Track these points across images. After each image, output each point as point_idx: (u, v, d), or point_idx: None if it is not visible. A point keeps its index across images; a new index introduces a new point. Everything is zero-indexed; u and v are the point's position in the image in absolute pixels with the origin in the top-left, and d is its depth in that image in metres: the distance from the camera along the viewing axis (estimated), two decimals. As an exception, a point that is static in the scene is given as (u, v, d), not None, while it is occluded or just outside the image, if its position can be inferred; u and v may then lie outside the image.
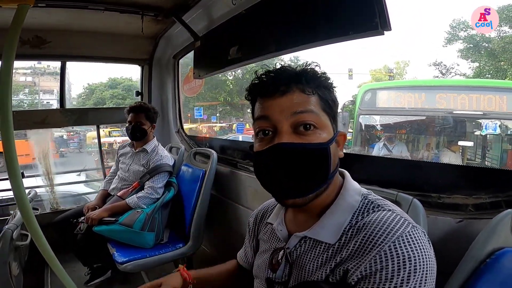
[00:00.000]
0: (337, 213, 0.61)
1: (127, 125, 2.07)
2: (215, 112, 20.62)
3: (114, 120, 2.67)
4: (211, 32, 1.88)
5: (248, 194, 1.76)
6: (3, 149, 1.24)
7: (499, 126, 4.52)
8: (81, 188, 2.96)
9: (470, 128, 4.65)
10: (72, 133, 14.05)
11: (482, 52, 11.01)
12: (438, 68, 14.46)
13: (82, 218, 1.86)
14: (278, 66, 0.64)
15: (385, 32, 1.00)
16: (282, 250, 0.67)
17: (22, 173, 2.09)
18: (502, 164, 4.23)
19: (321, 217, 0.62)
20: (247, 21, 1.55)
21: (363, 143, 5.38)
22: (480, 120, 4.62)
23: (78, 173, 2.95)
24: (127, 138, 2.17)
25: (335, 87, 0.64)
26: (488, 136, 4.65)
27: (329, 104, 0.61)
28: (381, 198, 0.64)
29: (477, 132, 4.73)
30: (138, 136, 2.05)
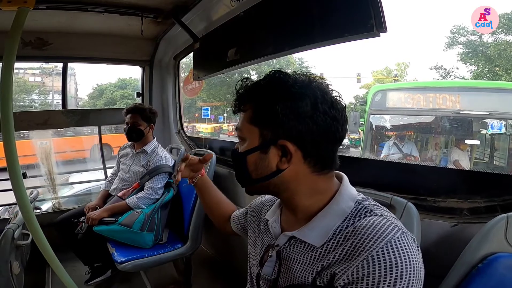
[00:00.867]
0: (328, 217, 0.62)
1: (125, 126, 2.09)
2: (222, 112, 20.72)
3: (115, 121, 2.68)
4: (210, 34, 1.89)
5: (246, 195, 1.75)
6: (4, 149, 1.26)
7: (504, 126, 4.61)
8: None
9: (476, 128, 4.75)
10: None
11: (480, 55, 11.53)
12: (439, 71, 14.87)
13: (83, 218, 1.88)
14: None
15: (381, 33, 1.00)
16: (273, 248, 0.69)
17: (25, 173, 2.14)
18: (509, 161, 4.41)
19: (312, 219, 0.63)
20: (244, 23, 1.55)
21: (373, 142, 5.52)
22: (486, 120, 4.72)
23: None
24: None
25: (285, 97, 0.61)
26: (494, 135, 4.75)
27: (262, 116, 0.62)
28: (376, 204, 0.64)
29: (483, 131, 4.82)
30: (134, 136, 2.06)
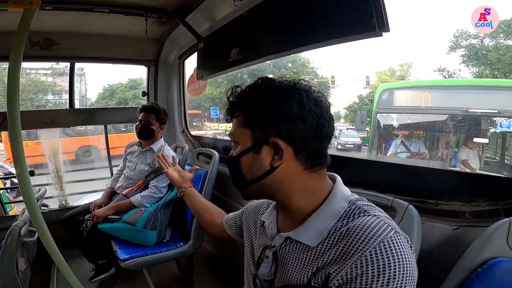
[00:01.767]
0: (322, 217, 0.63)
1: (137, 123, 2.11)
2: None
3: (121, 120, 2.73)
4: (214, 34, 1.89)
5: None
6: (11, 148, 1.29)
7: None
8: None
9: (485, 126, 4.68)
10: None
11: (482, 58, 12.13)
12: (442, 73, 15.22)
13: (88, 215, 1.91)
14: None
15: (383, 33, 0.99)
16: (269, 248, 0.70)
17: (32, 171, 2.18)
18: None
19: (306, 220, 0.64)
20: (247, 23, 1.56)
21: (381, 140, 5.50)
22: (495, 118, 4.63)
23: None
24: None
25: (272, 98, 0.64)
26: (505, 133, 4.67)
27: (253, 119, 0.66)
28: (370, 204, 0.64)
29: (492, 130, 4.74)
30: (145, 135, 2.08)
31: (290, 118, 0.62)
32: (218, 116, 19.09)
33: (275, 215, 0.75)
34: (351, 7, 1.04)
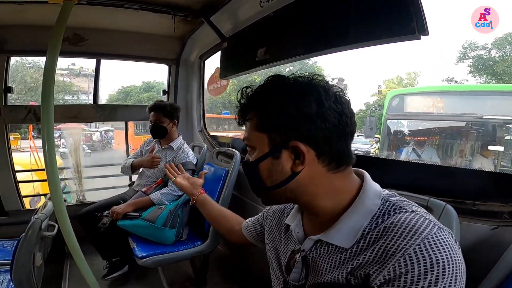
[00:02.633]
0: (354, 217, 0.59)
1: (149, 124, 2.14)
2: None
3: (141, 117, 2.75)
4: (238, 34, 1.91)
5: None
6: (42, 141, 1.31)
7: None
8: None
9: (501, 133, 4.40)
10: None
11: (489, 69, 12.46)
12: (450, 83, 15.37)
13: (107, 212, 1.92)
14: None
15: (421, 36, 0.98)
16: (298, 253, 0.67)
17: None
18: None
19: (337, 220, 0.61)
20: (274, 23, 1.56)
21: (391, 148, 5.29)
22: (511, 125, 4.40)
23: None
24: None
25: (288, 98, 0.60)
26: None
27: (269, 122, 0.61)
28: (404, 199, 0.61)
29: (508, 137, 4.48)
30: (157, 134, 2.11)
31: (309, 118, 0.57)
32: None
33: (300, 218, 0.72)
34: (389, 9, 1.02)
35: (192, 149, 2.41)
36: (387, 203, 0.59)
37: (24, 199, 2.44)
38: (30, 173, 3.10)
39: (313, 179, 0.61)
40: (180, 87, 2.78)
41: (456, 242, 0.53)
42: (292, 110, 0.58)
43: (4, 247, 2.05)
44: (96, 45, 2.35)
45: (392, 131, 5.24)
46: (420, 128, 5.13)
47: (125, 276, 2.08)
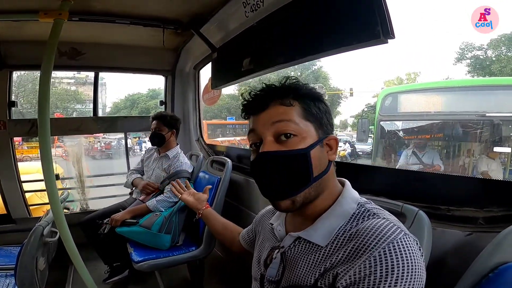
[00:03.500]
0: (332, 218, 0.64)
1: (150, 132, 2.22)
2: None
3: (141, 128, 2.84)
4: (226, 44, 1.95)
5: (261, 201, 1.78)
6: (40, 153, 1.38)
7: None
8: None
9: (507, 132, 4.04)
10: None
11: (486, 69, 12.70)
12: None
13: (106, 219, 1.98)
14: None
15: (388, 40, 1.00)
16: (278, 249, 0.70)
17: (57, 175, 2.31)
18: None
19: (316, 221, 0.65)
20: (258, 33, 1.59)
21: (385, 152, 4.92)
22: None
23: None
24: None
25: (321, 95, 0.69)
26: None
27: (312, 112, 0.66)
28: (378, 207, 0.65)
29: None
30: (156, 141, 2.18)
31: (329, 115, 0.68)
32: (234, 126, 19.42)
33: (283, 217, 0.76)
34: (356, 16, 1.05)
35: (190, 158, 2.46)
36: (363, 208, 0.64)
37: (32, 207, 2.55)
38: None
39: (331, 173, 0.68)
40: (177, 97, 2.85)
41: (420, 250, 0.55)
42: (324, 107, 0.68)
43: (11, 253, 2.16)
44: (94, 59, 2.45)
45: (385, 134, 4.89)
46: (416, 130, 4.75)
47: (125, 280, 2.14)
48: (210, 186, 1.33)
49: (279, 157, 0.62)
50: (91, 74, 2.66)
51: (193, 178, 2.20)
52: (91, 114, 2.70)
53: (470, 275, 0.75)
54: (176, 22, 2.05)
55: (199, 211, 1.17)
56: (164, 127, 2.18)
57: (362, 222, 0.60)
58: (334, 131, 0.72)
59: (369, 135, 5.31)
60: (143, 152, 2.52)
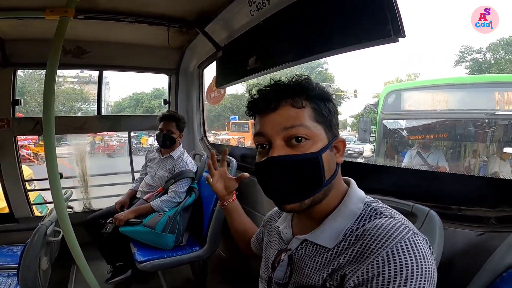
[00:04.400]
0: (338, 219, 0.62)
1: (158, 132, 2.18)
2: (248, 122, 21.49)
3: (144, 127, 2.84)
4: (232, 43, 1.95)
5: (264, 201, 1.77)
6: (44, 151, 1.37)
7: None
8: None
9: None
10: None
11: (485, 72, 12.77)
12: None
13: (110, 219, 1.98)
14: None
15: (399, 39, 0.99)
16: (285, 252, 0.69)
17: (61, 174, 2.30)
18: None
19: (322, 222, 0.64)
20: (264, 31, 1.58)
21: (388, 152, 4.72)
22: None
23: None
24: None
25: (331, 95, 0.67)
26: None
27: (323, 114, 0.63)
28: (385, 206, 0.64)
29: None
30: (168, 144, 2.16)
31: (336, 116, 0.66)
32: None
33: (289, 220, 0.75)
34: (366, 14, 1.04)
35: (193, 158, 2.45)
36: (369, 208, 0.63)
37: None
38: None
39: (339, 174, 0.67)
40: (180, 96, 2.84)
41: (430, 248, 0.54)
42: (335, 108, 0.66)
43: (14, 252, 2.16)
44: (98, 57, 2.45)
45: (388, 133, 4.68)
46: (421, 129, 4.52)
47: (127, 280, 2.13)
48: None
49: (290, 162, 0.60)
50: (94, 73, 2.67)
51: (197, 178, 2.19)
52: (95, 113, 2.69)
53: (483, 274, 0.74)
54: (181, 21, 2.05)
55: (224, 202, 1.03)
56: (177, 130, 2.17)
57: (369, 222, 0.59)
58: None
59: (371, 135, 5.13)
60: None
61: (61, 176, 2.27)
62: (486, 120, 3.78)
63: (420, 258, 0.50)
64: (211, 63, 2.53)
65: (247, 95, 0.68)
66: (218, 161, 1.08)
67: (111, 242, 2.00)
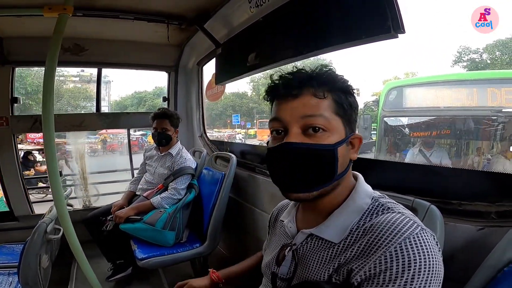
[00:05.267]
0: (345, 213, 0.62)
1: (153, 131, 2.17)
2: (249, 120, 21.46)
3: (143, 124, 2.82)
4: (231, 40, 1.94)
5: (265, 197, 1.78)
6: (44, 149, 1.37)
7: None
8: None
9: None
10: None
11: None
12: None
13: (110, 216, 1.98)
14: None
15: (399, 35, 0.99)
16: (289, 246, 0.69)
17: (60, 172, 2.30)
18: None
19: (329, 217, 0.63)
20: (263, 28, 1.58)
21: (390, 150, 4.64)
22: None
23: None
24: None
25: (353, 90, 0.65)
26: None
27: (343, 107, 0.62)
28: (392, 201, 0.63)
29: None
30: (164, 142, 2.15)
31: (357, 111, 0.65)
32: (239, 123, 19.65)
33: (294, 214, 0.74)
34: (366, 10, 1.04)
35: (193, 155, 2.45)
36: (377, 203, 0.62)
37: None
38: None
39: (350, 171, 0.66)
40: (179, 93, 2.84)
41: (437, 244, 0.54)
42: (354, 101, 0.64)
43: (14, 251, 2.16)
44: (97, 55, 2.44)
45: (389, 131, 4.57)
46: (423, 126, 4.40)
47: (128, 278, 2.13)
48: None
49: (304, 149, 0.59)
50: (95, 72, 2.65)
51: (197, 174, 2.19)
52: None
53: (484, 269, 0.74)
54: (180, 18, 2.04)
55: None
56: (172, 127, 2.15)
57: (376, 217, 0.59)
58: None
59: (373, 132, 5.07)
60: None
61: (60, 174, 2.29)
62: (495, 118, 3.63)
63: (428, 254, 0.50)
64: (210, 60, 2.53)
65: (268, 80, 0.66)
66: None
67: (111, 239, 2.00)
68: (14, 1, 1.57)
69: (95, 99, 2.69)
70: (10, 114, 2.30)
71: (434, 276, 0.50)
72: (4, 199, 2.42)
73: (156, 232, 1.86)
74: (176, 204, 1.97)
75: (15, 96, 2.32)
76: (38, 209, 2.49)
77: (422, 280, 0.48)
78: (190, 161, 2.14)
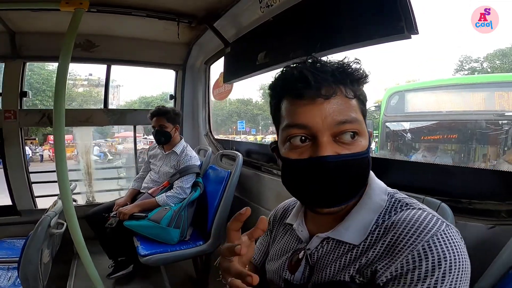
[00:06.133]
0: (363, 212, 0.58)
1: (152, 130, 2.18)
2: (254, 126, 21.57)
3: (149, 121, 2.84)
4: (240, 39, 1.97)
5: (270, 196, 1.78)
6: (54, 143, 1.38)
7: None
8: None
9: None
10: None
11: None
12: None
13: (114, 213, 1.98)
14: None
15: (412, 36, 0.99)
16: (303, 251, 0.64)
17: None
18: None
19: (345, 217, 0.59)
20: (274, 27, 1.60)
21: (392, 155, 4.55)
22: None
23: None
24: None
25: (367, 81, 0.59)
26: None
27: (364, 104, 0.59)
28: (408, 197, 0.61)
29: None
30: (162, 139, 2.15)
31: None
32: (244, 129, 19.75)
33: (302, 217, 0.69)
34: (378, 10, 1.04)
35: (198, 153, 2.45)
36: (393, 199, 0.59)
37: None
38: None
39: None
40: (186, 92, 2.85)
41: (462, 240, 0.52)
42: (365, 93, 0.59)
43: (15, 245, 2.15)
44: (107, 51, 2.46)
45: (391, 136, 4.53)
46: (426, 132, 4.35)
47: (129, 275, 2.12)
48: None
49: (341, 162, 0.52)
50: (103, 77, 2.68)
51: (202, 173, 2.20)
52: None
53: (496, 267, 0.74)
54: (191, 16, 2.06)
55: None
56: (169, 123, 2.14)
57: (396, 214, 0.56)
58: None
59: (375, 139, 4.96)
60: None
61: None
62: (499, 122, 3.58)
63: (458, 251, 0.48)
64: (218, 59, 2.54)
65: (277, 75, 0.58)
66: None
67: (114, 236, 1.99)
68: (31, -6, 1.60)
69: (102, 102, 2.70)
70: (19, 108, 2.32)
71: (465, 273, 0.48)
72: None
73: (161, 229, 1.86)
74: (181, 202, 1.97)
75: (25, 90, 2.33)
76: (41, 204, 2.49)
77: (453, 278, 0.47)
78: (195, 158, 2.15)
